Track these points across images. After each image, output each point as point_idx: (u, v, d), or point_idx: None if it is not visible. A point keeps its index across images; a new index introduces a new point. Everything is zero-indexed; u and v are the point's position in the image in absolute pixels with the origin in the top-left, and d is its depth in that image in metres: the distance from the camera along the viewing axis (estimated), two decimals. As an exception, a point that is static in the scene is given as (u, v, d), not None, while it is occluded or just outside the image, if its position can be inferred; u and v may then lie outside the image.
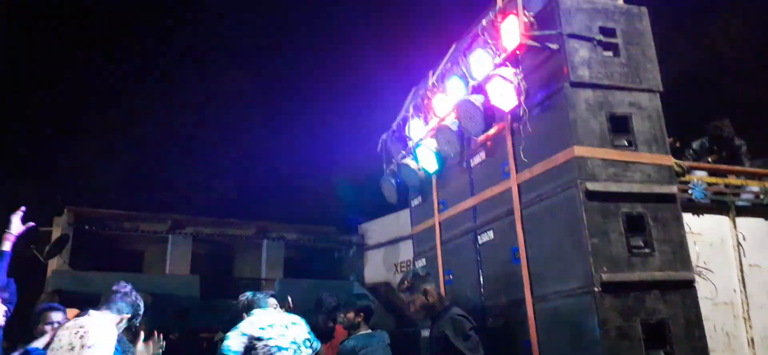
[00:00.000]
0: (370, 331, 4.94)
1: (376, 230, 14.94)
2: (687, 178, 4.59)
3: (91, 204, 13.90)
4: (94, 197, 15.30)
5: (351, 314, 4.94)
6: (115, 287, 3.79)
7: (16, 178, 17.31)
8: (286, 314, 4.40)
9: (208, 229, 14.26)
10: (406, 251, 12.65)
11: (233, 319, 4.31)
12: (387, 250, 14.33)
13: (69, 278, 11.97)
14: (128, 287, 3.82)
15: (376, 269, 14.74)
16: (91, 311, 3.62)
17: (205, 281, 12.54)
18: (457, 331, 3.86)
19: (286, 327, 4.20)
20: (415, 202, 6.02)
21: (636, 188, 3.88)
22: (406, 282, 4.26)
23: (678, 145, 5.97)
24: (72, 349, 3.38)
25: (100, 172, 17.65)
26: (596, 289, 3.59)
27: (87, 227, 12.87)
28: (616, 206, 3.80)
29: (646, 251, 3.80)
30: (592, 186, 3.74)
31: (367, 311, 4.99)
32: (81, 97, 17.83)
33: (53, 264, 12.71)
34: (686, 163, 4.78)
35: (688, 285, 3.85)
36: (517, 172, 4.36)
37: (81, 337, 3.42)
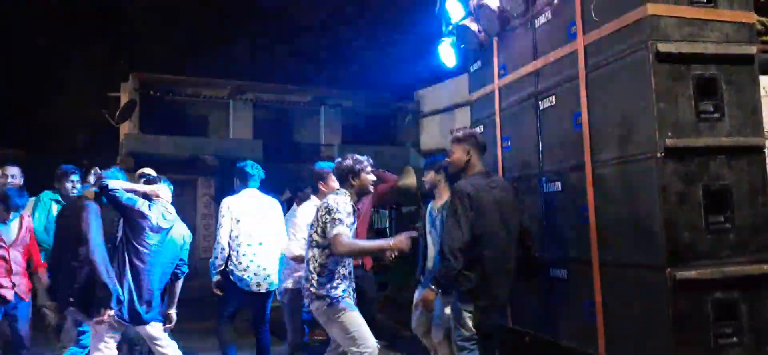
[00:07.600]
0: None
1: (433, 96, 14.82)
2: (770, 36, 4.29)
3: (154, 70, 14.32)
4: (157, 62, 15.74)
5: (432, 174, 4.88)
6: None
7: (83, 43, 17.87)
8: None
9: (268, 95, 14.53)
10: (463, 118, 12.58)
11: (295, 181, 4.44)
12: (443, 117, 14.25)
13: (140, 142, 12.64)
14: None
15: (432, 136, 14.77)
16: None
17: (268, 145, 12.98)
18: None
19: None
20: (475, 67, 5.90)
21: (711, 48, 3.67)
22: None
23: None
24: None
25: (162, 38, 17.99)
26: (659, 154, 3.54)
27: (152, 92, 13.32)
28: (687, 68, 3.63)
29: (716, 115, 3.67)
30: (663, 47, 3.57)
31: (446, 170, 5.00)
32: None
33: (125, 128, 13.39)
34: (770, 21, 4.45)
35: (757, 151, 3.73)
36: (584, 33, 4.18)
37: None
